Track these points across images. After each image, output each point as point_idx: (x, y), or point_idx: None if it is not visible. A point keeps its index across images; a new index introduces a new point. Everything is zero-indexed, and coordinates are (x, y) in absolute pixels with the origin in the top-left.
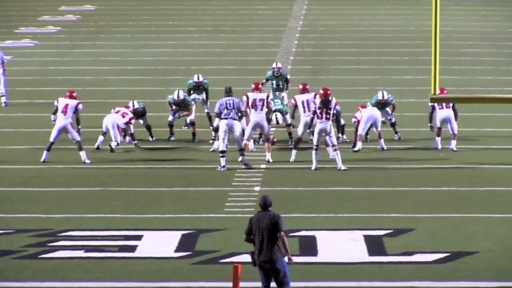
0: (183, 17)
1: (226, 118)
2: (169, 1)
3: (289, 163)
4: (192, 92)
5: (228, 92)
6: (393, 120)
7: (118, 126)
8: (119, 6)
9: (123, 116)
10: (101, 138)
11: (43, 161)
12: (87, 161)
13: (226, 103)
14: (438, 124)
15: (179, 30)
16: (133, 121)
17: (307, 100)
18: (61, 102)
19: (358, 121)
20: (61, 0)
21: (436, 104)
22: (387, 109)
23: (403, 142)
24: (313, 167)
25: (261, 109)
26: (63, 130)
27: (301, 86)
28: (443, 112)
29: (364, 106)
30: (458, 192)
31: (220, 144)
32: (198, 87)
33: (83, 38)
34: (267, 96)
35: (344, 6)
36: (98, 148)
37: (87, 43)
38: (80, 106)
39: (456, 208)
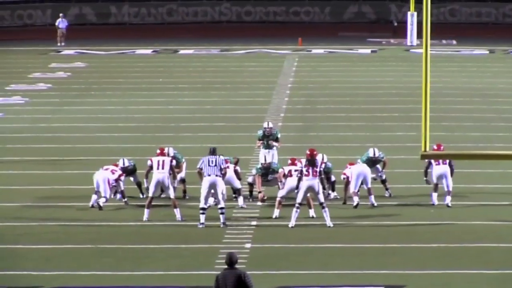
0: (174, 74)
1: (209, 175)
2: (160, 58)
3: (276, 219)
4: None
5: (213, 153)
6: (383, 177)
7: (108, 182)
8: (109, 63)
9: (113, 173)
10: (94, 196)
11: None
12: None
13: (209, 161)
14: (435, 180)
15: (170, 87)
16: (122, 178)
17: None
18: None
19: (347, 178)
20: (52, 57)
21: (432, 160)
22: (378, 166)
23: (394, 199)
24: (290, 225)
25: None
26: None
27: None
28: (440, 168)
29: (352, 163)
30: (448, 249)
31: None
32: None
33: (74, 95)
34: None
35: (334, 63)
36: (92, 206)
37: (78, 100)
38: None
39: (446, 265)
